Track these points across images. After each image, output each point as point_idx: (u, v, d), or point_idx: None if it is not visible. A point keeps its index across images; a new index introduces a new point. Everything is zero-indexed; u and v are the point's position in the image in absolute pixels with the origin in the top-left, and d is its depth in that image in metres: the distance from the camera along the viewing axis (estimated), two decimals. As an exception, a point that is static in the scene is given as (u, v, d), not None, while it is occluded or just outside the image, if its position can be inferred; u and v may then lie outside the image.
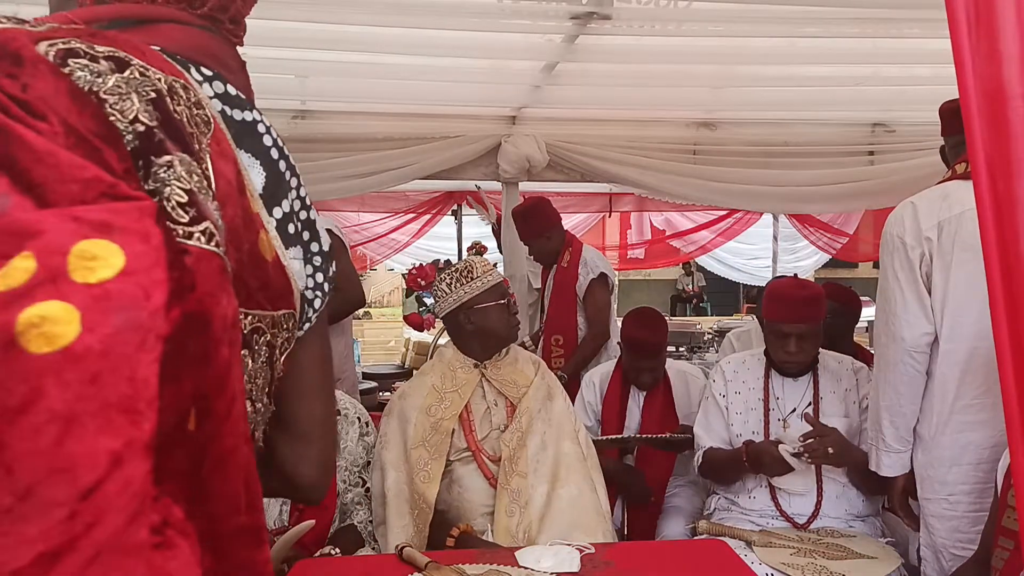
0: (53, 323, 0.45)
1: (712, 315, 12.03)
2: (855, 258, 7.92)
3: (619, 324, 3.31)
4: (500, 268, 3.99)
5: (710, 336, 5.94)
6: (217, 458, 0.55)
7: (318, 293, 0.80)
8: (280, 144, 0.77)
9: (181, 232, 0.55)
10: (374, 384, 4.88)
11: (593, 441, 2.49)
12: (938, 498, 2.13)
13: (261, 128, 0.75)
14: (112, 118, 0.56)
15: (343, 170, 4.10)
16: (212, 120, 0.67)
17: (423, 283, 4.56)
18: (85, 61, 0.57)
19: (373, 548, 2.23)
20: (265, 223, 0.72)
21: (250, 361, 0.69)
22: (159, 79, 0.62)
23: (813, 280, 6.08)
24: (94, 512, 0.44)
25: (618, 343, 3.21)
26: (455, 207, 7.34)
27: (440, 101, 3.88)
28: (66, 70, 0.56)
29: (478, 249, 4.81)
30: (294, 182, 0.78)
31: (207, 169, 0.63)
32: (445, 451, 2.24)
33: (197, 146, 0.63)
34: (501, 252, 4.56)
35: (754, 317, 4.59)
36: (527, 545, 1.97)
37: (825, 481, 2.40)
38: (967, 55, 0.95)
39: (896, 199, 2.43)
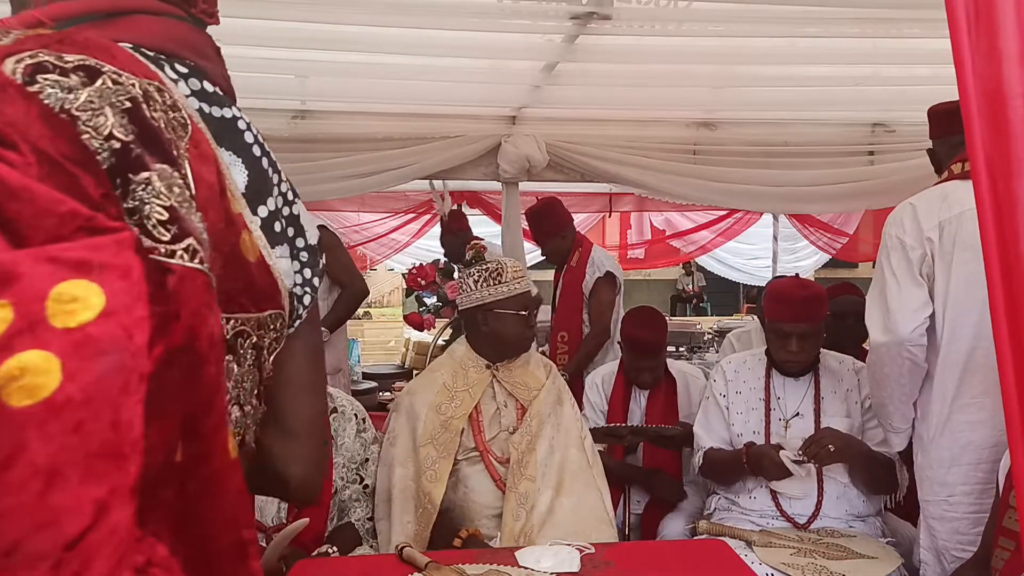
0: (33, 374, 0.44)
1: (712, 315, 12.02)
2: (855, 258, 7.91)
3: (623, 324, 3.33)
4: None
5: (710, 336, 5.94)
6: (206, 479, 0.55)
7: (307, 289, 0.78)
8: (261, 140, 0.75)
9: (163, 251, 0.55)
10: (374, 384, 4.88)
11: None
12: (938, 499, 2.14)
13: (241, 125, 0.73)
14: (86, 136, 0.54)
15: (343, 170, 4.09)
16: (189, 122, 0.65)
17: (423, 283, 4.56)
18: (55, 77, 0.55)
19: (371, 546, 2.23)
20: (248, 223, 0.70)
21: (235, 366, 0.68)
22: (133, 84, 0.60)
23: (813, 280, 6.07)
24: (80, 561, 0.44)
25: (619, 343, 3.21)
26: (455, 207, 7.33)
27: (440, 101, 3.87)
28: (35, 88, 0.54)
29: (477, 250, 4.81)
30: (276, 178, 0.76)
31: (186, 175, 0.61)
32: (454, 450, 2.23)
33: (175, 152, 0.61)
34: (444, 252, 4.65)
35: (754, 317, 4.60)
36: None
37: (825, 481, 2.40)
38: (967, 55, 0.95)
39: (896, 199, 2.43)
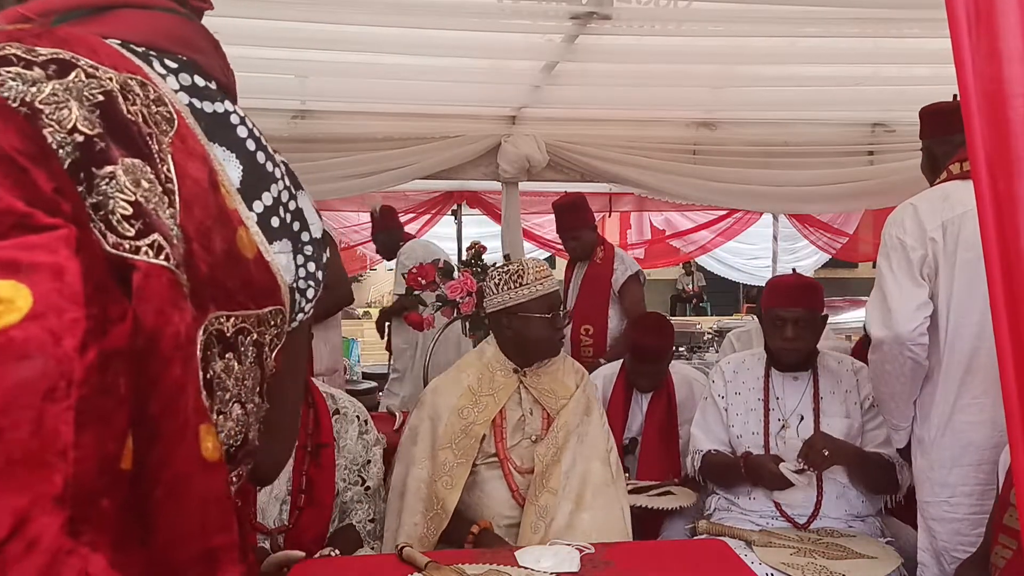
0: None
1: (712, 315, 12.02)
2: (855, 258, 7.92)
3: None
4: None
5: (710, 336, 5.94)
6: (171, 483, 0.53)
7: (310, 283, 0.77)
8: (257, 134, 0.74)
9: (128, 247, 0.53)
10: (374, 384, 4.87)
11: None
12: (938, 500, 2.14)
13: (235, 119, 0.72)
14: (48, 130, 0.53)
15: (343, 170, 4.09)
16: (176, 117, 0.64)
17: (423, 283, 4.56)
18: (18, 69, 0.54)
19: (372, 547, 2.23)
20: (245, 219, 0.69)
21: (236, 364, 0.67)
22: (110, 78, 0.59)
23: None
24: None
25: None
26: (455, 207, 7.34)
27: (440, 101, 3.87)
28: None
29: (477, 250, 4.80)
30: (277, 172, 0.75)
31: (168, 171, 0.60)
32: (472, 456, 2.19)
33: (156, 147, 0.60)
34: (376, 249, 4.70)
35: (754, 317, 4.59)
36: None
37: (825, 482, 2.40)
38: (967, 54, 0.95)
39: (896, 199, 2.44)
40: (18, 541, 0.43)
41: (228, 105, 0.72)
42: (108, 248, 0.53)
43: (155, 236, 0.55)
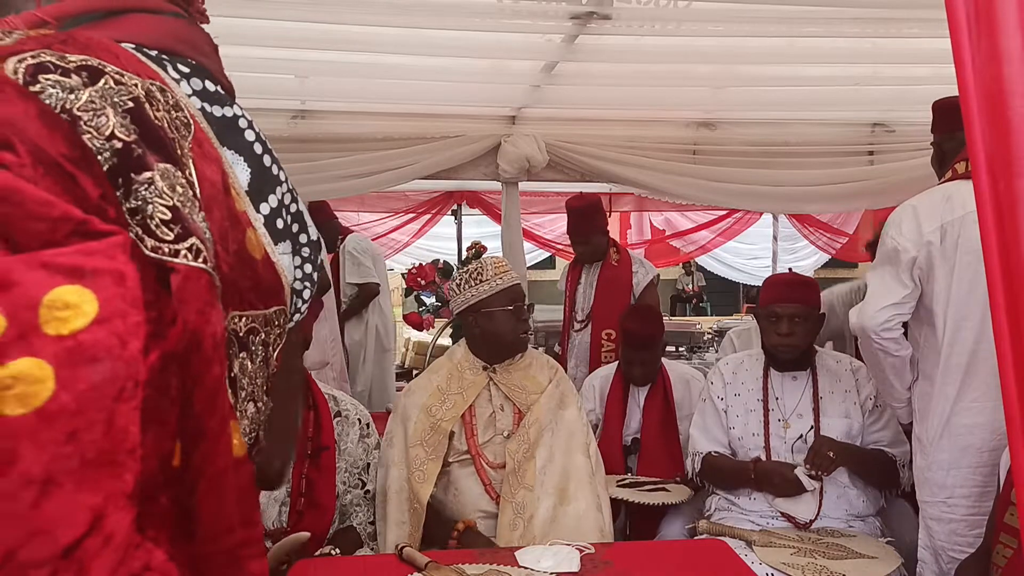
0: (26, 383, 0.44)
1: (712, 315, 12.02)
2: (855, 258, 7.93)
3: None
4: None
5: (710, 336, 5.94)
6: (212, 479, 0.55)
7: (307, 284, 0.79)
8: (263, 138, 0.75)
9: (167, 250, 0.54)
10: (374, 384, 4.87)
11: None
12: (936, 501, 2.15)
13: (243, 123, 0.73)
14: (87, 136, 0.54)
15: (343, 170, 4.09)
16: (192, 121, 0.65)
17: (423, 283, 4.57)
18: (56, 76, 0.55)
19: (372, 548, 2.23)
20: (253, 220, 0.71)
21: (249, 363, 0.69)
22: (135, 85, 0.60)
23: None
24: (76, 569, 0.44)
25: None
26: (455, 207, 7.34)
27: (440, 101, 3.87)
28: (36, 88, 0.54)
29: (477, 250, 4.81)
30: (282, 175, 0.77)
31: (190, 175, 0.61)
32: (442, 452, 2.22)
33: (179, 152, 0.61)
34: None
35: (754, 317, 4.59)
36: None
37: (825, 481, 2.40)
38: (967, 54, 0.95)
39: (896, 199, 2.44)
40: (96, 536, 0.45)
41: (237, 109, 0.74)
42: (147, 252, 0.54)
43: (193, 240, 0.56)
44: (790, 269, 3.07)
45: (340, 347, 4.04)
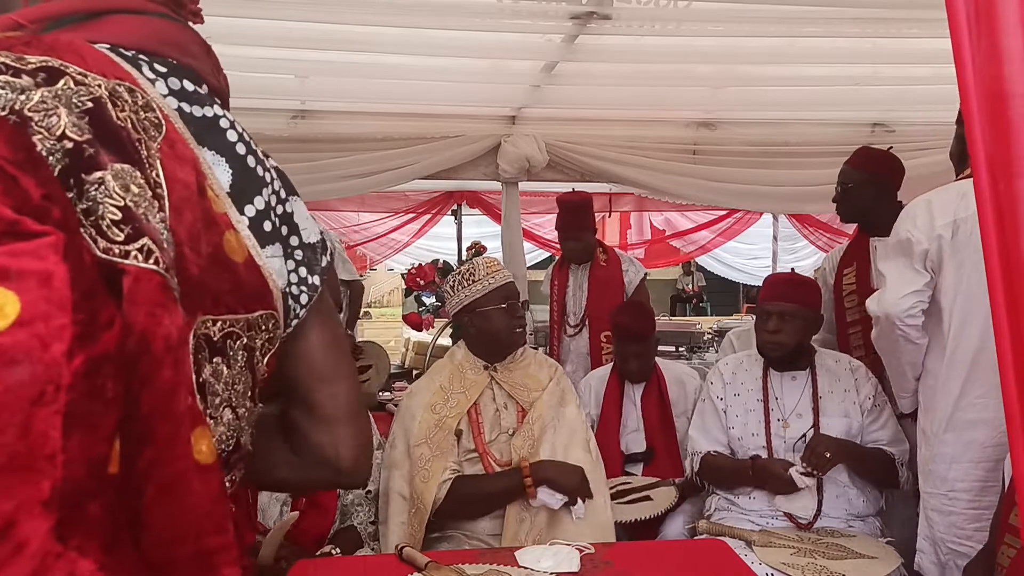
0: None
1: (712, 315, 12.02)
2: (855, 258, 7.92)
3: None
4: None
5: (710, 336, 5.93)
6: (163, 486, 0.54)
7: (303, 288, 0.77)
8: (247, 139, 0.74)
9: (117, 251, 0.54)
10: (374, 384, 4.87)
11: None
12: (938, 493, 2.18)
13: (224, 123, 0.72)
14: (37, 136, 0.53)
15: (343, 170, 4.09)
16: (164, 122, 0.64)
17: (422, 283, 4.56)
18: (6, 77, 0.55)
19: (372, 548, 2.23)
20: (235, 223, 0.70)
21: (225, 368, 0.68)
22: (99, 85, 0.59)
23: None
24: None
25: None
26: (455, 207, 7.34)
27: (440, 101, 3.87)
28: None
29: (477, 250, 4.81)
30: (268, 177, 0.75)
31: (156, 176, 0.60)
32: (447, 450, 2.22)
33: (144, 152, 0.60)
34: None
35: (753, 317, 4.59)
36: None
37: (825, 481, 2.40)
38: (967, 54, 0.94)
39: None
40: (4, 544, 0.43)
41: (218, 109, 0.73)
42: (99, 253, 0.53)
43: (144, 240, 0.55)
44: (792, 269, 3.07)
45: None
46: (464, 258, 5.24)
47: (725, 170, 4.37)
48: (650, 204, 7.31)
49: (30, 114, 0.54)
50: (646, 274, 3.94)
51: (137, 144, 0.60)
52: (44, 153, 0.53)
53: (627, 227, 8.90)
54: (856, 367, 2.56)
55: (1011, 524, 1.76)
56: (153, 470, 0.53)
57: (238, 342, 0.69)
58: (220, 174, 0.70)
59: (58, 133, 0.54)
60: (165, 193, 0.61)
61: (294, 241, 0.77)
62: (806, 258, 8.11)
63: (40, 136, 0.54)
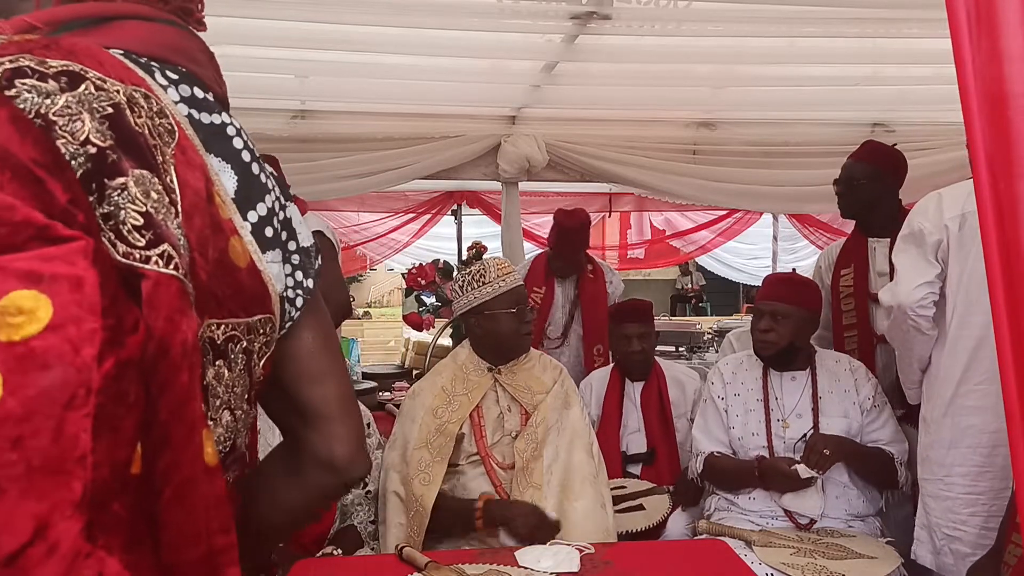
0: None
1: (712, 315, 12.02)
2: (855, 258, 7.92)
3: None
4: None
5: (710, 336, 5.93)
6: (178, 487, 0.55)
7: (299, 291, 0.78)
8: (251, 146, 0.75)
9: (138, 256, 0.54)
10: (374, 384, 4.87)
11: None
12: (935, 479, 2.21)
13: (231, 131, 0.73)
14: (61, 141, 0.54)
15: (343, 170, 4.09)
16: (176, 129, 0.65)
17: (423, 283, 4.56)
18: (33, 81, 0.55)
19: (372, 548, 2.23)
20: (239, 228, 0.71)
21: (226, 371, 0.68)
22: (117, 91, 0.60)
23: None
24: None
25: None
26: (455, 207, 7.33)
27: (440, 101, 3.87)
28: (11, 92, 0.54)
29: (478, 250, 4.80)
30: (270, 184, 0.77)
31: (171, 181, 0.61)
32: (448, 454, 2.21)
33: (160, 158, 0.61)
34: None
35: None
36: None
37: (825, 482, 2.40)
38: (967, 54, 0.94)
39: (896, 199, 2.43)
40: (39, 545, 0.44)
41: (225, 117, 0.74)
42: (118, 257, 0.54)
43: (165, 246, 0.56)
44: (793, 269, 3.07)
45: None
46: (464, 258, 5.24)
47: (725, 170, 4.37)
48: (650, 204, 7.31)
49: (55, 118, 0.55)
50: (622, 282, 3.93)
51: (154, 150, 0.61)
52: (68, 158, 0.54)
53: (627, 227, 8.90)
54: (856, 367, 2.56)
55: (1017, 523, 1.76)
56: (171, 472, 0.54)
57: (238, 345, 0.70)
58: (226, 180, 0.71)
59: (82, 138, 0.55)
60: (178, 199, 0.61)
61: (292, 246, 0.78)
62: (806, 258, 8.09)
63: (64, 140, 0.54)
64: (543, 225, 8.05)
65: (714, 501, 2.58)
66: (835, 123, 4.42)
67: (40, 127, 0.53)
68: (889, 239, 2.60)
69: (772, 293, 2.54)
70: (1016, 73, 0.89)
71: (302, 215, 0.82)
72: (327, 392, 0.81)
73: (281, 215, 0.77)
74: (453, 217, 7.48)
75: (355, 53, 3.08)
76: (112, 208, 0.55)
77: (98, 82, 0.59)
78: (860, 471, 2.43)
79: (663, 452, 2.99)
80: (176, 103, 0.69)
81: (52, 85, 0.56)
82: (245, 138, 0.75)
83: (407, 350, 7.19)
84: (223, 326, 0.67)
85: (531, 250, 7.21)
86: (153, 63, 0.69)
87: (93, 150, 0.55)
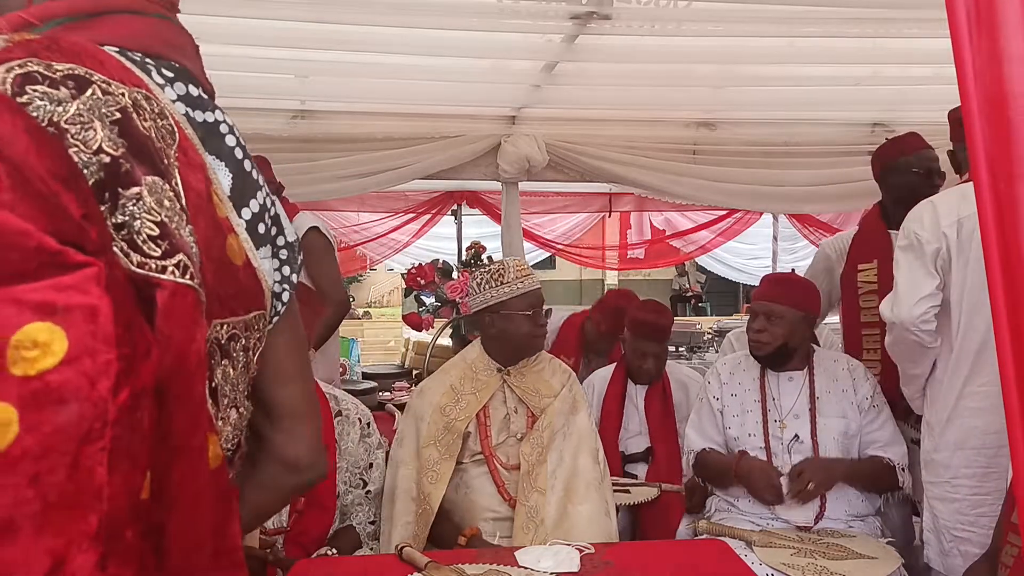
0: None
1: (712, 315, 12.02)
2: (855, 258, 7.91)
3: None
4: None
5: (710, 336, 5.93)
6: (191, 498, 0.54)
7: (286, 286, 0.79)
8: (243, 143, 0.75)
9: (154, 267, 0.54)
10: (374, 384, 4.87)
11: None
12: (941, 481, 2.22)
13: (224, 128, 0.73)
14: (74, 150, 0.53)
15: (343, 170, 4.09)
16: (176, 129, 0.65)
17: (422, 283, 4.56)
18: (44, 88, 0.54)
19: (371, 548, 2.23)
20: (235, 226, 0.70)
21: (231, 369, 0.68)
22: (122, 94, 0.59)
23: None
24: None
25: (621, 339, 3.23)
26: (455, 207, 7.33)
27: (440, 101, 3.87)
28: (23, 99, 0.53)
29: (477, 250, 4.80)
30: (261, 180, 0.76)
31: (176, 184, 0.60)
32: (456, 452, 2.21)
33: (165, 161, 0.60)
34: None
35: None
36: None
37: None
38: (967, 54, 0.94)
39: (895, 200, 2.42)
40: None
41: (219, 115, 0.73)
42: (132, 268, 0.53)
43: (180, 256, 0.56)
44: (792, 270, 3.07)
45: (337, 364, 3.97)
46: (464, 258, 5.23)
47: (725, 170, 4.37)
48: (650, 204, 7.30)
49: (67, 127, 0.54)
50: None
51: (161, 154, 0.60)
52: (81, 167, 0.53)
53: (627, 227, 8.89)
54: (855, 367, 2.56)
55: (1014, 524, 1.76)
56: (185, 483, 0.54)
57: (239, 343, 0.70)
58: (221, 178, 0.71)
59: (95, 147, 0.54)
60: (184, 202, 0.61)
61: (280, 241, 0.78)
62: (806, 258, 8.07)
63: (76, 149, 0.53)
64: (543, 225, 8.06)
65: (714, 502, 2.58)
66: (835, 123, 4.42)
67: (52, 135, 0.52)
68: None
69: (766, 293, 2.54)
70: (1016, 73, 0.89)
71: (294, 215, 0.83)
72: (295, 392, 0.81)
73: (272, 211, 0.77)
74: (453, 217, 7.48)
75: (355, 53, 3.08)
76: (127, 218, 0.54)
77: (104, 86, 0.58)
78: (856, 486, 2.43)
79: (664, 454, 2.98)
80: (174, 102, 0.68)
81: (63, 92, 0.55)
82: (237, 135, 0.74)
83: (407, 350, 7.20)
84: (225, 325, 0.67)
85: (531, 250, 7.21)
86: (148, 60, 0.69)
87: (107, 159, 0.54)
